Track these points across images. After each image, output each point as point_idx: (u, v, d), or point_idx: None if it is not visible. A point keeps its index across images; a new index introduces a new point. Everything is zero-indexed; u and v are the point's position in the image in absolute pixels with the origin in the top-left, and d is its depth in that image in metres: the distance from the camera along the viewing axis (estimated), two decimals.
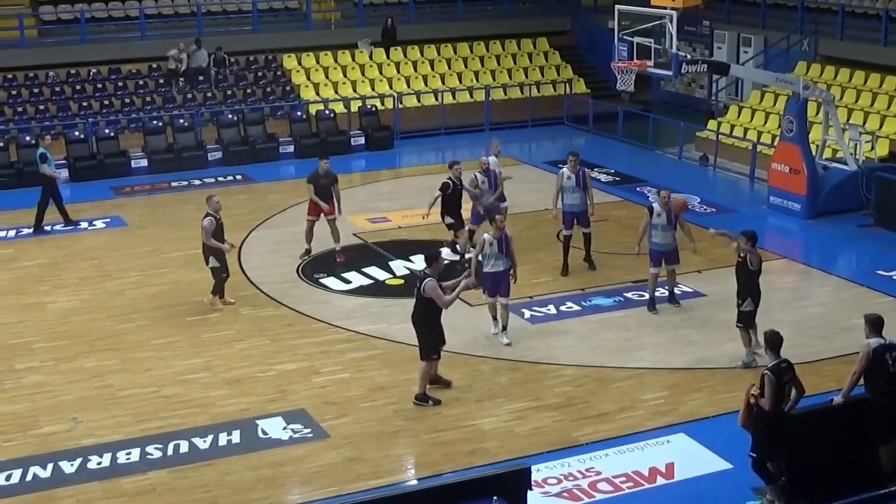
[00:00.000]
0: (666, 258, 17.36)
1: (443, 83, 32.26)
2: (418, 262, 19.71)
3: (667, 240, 17.19)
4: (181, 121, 28.03)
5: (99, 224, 22.55)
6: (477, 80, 32.76)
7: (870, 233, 21.52)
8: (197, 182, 25.74)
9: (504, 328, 16.38)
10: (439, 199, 19.62)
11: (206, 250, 17.70)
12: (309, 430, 13.74)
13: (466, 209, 20.03)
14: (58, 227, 22.04)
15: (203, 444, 13.42)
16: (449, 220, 19.80)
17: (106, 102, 29.22)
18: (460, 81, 32.60)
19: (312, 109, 29.71)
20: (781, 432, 11.36)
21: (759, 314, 16.58)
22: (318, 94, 31.04)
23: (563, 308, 17.67)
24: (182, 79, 29.95)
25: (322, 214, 19.68)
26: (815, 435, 11.65)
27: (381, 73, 32.23)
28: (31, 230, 21.92)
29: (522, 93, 32.37)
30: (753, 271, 15.21)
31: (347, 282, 18.94)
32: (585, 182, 18.81)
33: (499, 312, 16.38)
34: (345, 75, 31.92)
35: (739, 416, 11.64)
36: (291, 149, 28.26)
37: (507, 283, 16.16)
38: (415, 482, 12.56)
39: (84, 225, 22.31)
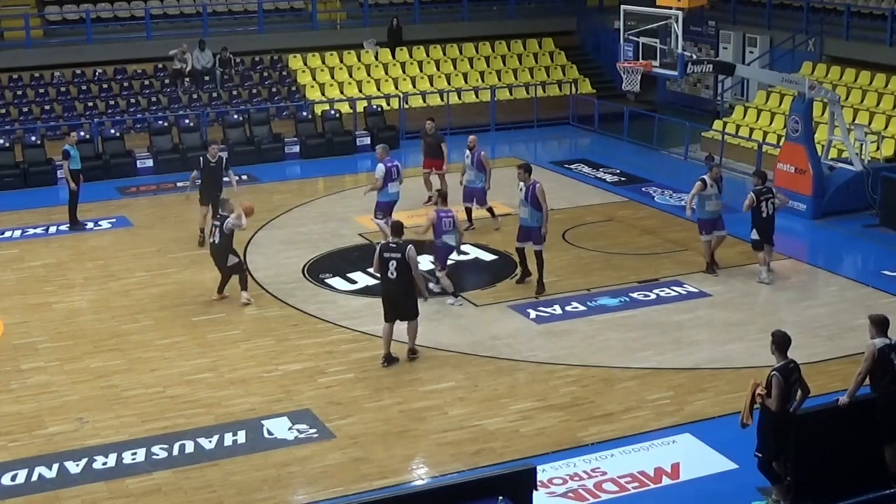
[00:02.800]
0: (716, 225, 19.02)
1: (448, 83, 32.26)
2: (423, 262, 19.69)
3: (718, 207, 18.98)
4: (186, 121, 28.05)
5: (104, 224, 22.56)
6: (482, 81, 32.75)
7: (875, 233, 21.49)
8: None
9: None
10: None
11: (226, 250, 17.80)
12: (314, 431, 13.74)
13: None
14: (63, 228, 22.05)
15: (208, 444, 13.42)
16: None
17: (111, 103, 29.26)
18: (466, 81, 32.61)
19: (318, 109, 29.71)
20: (786, 433, 11.34)
21: (764, 315, 16.70)
22: (323, 94, 31.05)
23: (568, 308, 17.66)
24: (187, 79, 29.97)
25: (433, 168, 22.90)
26: (821, 435, 11.64)
27: (386, 73, 32.24)
28: (66, 225, 22.08)
29: (528, 93, 32.36)
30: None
31: (353, 282, 18.94)
32: (534, 196, 17.89)
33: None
34: (350, 75, 31.94)
35: (741, 413, 11.62)
36: (297, 149, 28.26)
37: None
38: (420, 482, 12.55)
39: (90, 226, 22.31)
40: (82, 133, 26.85)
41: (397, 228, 15.61)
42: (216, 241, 17.80)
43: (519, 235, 18.36)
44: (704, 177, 18.88)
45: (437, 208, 18.07)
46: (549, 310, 17.58)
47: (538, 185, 17.92)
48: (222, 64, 30.40)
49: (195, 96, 29.84)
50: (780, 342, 11.47)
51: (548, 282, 18.80)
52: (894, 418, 11.67)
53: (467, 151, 21.49)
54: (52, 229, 21.93)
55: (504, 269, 19.47)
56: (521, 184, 18.12)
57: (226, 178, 21.03)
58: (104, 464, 12.97)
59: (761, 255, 18.75)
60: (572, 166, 26.55)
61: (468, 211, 21.54)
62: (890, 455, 11.80)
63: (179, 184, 25.52)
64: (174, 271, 19.60)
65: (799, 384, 11.43)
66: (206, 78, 30.12)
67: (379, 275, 15.64)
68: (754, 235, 18.80)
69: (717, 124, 28.41)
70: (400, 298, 15.38)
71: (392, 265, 15.18)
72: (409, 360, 15.66)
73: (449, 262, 18.30)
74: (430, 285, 17.61)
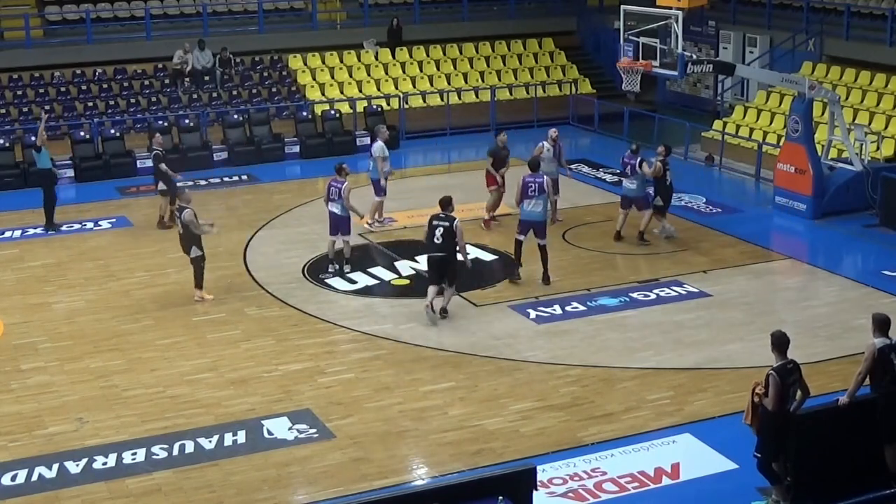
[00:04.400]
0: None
1: (448, 83, 32.26)
2: (423, 262, 19.71)
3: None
4: (186, 121, 28.04)
5: (104, 224, 22.56)
6: (482, 81, 32.75)
7: (875, 233, 21.48)
8: (202, 182, 25.74)
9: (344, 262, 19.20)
10: None
11: (189, 240, 17.87)
12: (314, 431, 13.74)
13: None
14: (63, 228, 22.05)
15: (208, 444, 13.42)
16: None
17: (111, 103, 29.25)
18: (466, 82, 32.61)
19: (318, 109, 29.70)
20: (786, 433, 11.34)
21: (766, 314, 16.69)
22: (323, 94, 31.05)
23: (568, 308, 17.66)
24: (187, 79, 29.98)
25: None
26: (821, 435, 11.64)
27: (386, 73, 32.24)
28: (41, 229, 22.00)
29: (528, 93, 32.36)
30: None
31: (353, 282, 18.94)
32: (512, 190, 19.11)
33: (345, 249, 19.22)
34: (350, 75, 31.93)
35: (745, 414, 11.62)
36: (297, 149, 28.26)
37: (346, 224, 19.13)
38: (420, 482, 12.55)
39: (76, 227, 22.24)
40: (82, 133, 26.91)
41: (446, 202, 17.14)
42: (181, 231, 17.90)
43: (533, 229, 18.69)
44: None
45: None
46: (549, 310, 17.58)
47: (546, 178, 18.75)
48: (222, 64, 30.40)
49: (195, 96, 29.84)
50: (779, 342, 11.44)
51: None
52: (894, 418, 11.67)
53: (546, 144, 21.71)
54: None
55: (504, 268, 19.46)
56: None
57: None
58: (104, 464, 12.97)
59: (659, 219, 20.59)
60: (572, 166, 26.52)
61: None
62: (890, 455, 11.80)
63: (179, 184, 25.56)
64: (174, 271, 19.58)
65: (799, 384, 11.42)
66: (206, 78, 30.12)
67: (426, 241, 17.24)
68: (658, 202, 20.45)
69: (717, 124, 28.41)
70: (442, 262, 16.97)
71: (439, 231, 16.85)
72: (441, 317, 17.02)
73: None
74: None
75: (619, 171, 20.73)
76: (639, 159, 20.35)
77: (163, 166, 21.76)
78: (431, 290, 17.13)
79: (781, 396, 11.19)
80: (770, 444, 11.40)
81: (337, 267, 19.24)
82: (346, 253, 19.31)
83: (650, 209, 20.54)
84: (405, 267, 19.67)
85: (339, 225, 19.15)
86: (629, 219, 20.72)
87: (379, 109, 29.91)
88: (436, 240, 16.95)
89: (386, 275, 19.31)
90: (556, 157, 21.83)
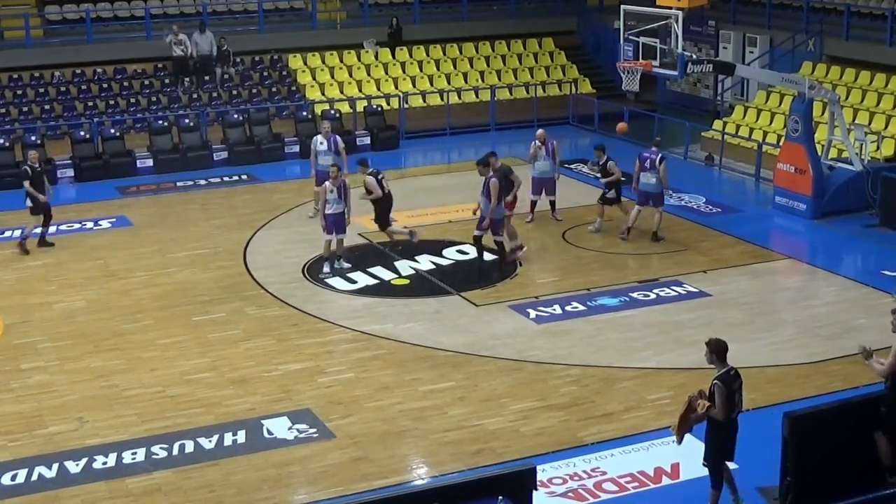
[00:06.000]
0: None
1: (448, 83, 32.26)
2: (423, 261, 19.73)
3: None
4: (186, 121, 28.04)
5: (104, 224, 22.56)
6: (482, 81, 32.75)
7: (875, 233, 21.48)
8: (203, 182, 25.76)
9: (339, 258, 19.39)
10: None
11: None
12: (314, 430, 13.74)
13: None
14: (63, 228, 22.02)
15: (208, 443, 13.42)
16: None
17: (111, 102, 29.26)
18: (466, 81, 32.61)
19: (318, 109, 29.70)
20: (734, 438, 11.35)
21: (766, 314, 16.65)
22: (323, 93, 31.05)
23: (568, 308, 17.66)
24: (195, 62, 29.83)
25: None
26: (821, 435, 11.63)
27: (386, 73, 32.24)
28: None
29: (528, 93, 32.36)
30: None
31: (353, 282, 18.94)
32: (489, 189, 19.07)
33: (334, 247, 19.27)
34: (350, 75, 31.94)
35: (675, 426, 11.44)
36: (297, 149, 28.24)
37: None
38: (420, 482, 12.55)
39: (65, 227, 22.22)
40: (82, 133, 26.91)
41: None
42: None
43: (491, 227, 19.03)
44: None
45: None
46: (549, 310, 17.58)
47: (492, 180, 18.81)
48: (221, 59, 30.36)
49: (195, 96, 29.84)
50: (718, 349, 11.36)
51: (548, 282, 18.86)
52: None
53: (538, 143, 21.82)
54: (52, 229, 21.89)
55: (504, 268, 19.46)
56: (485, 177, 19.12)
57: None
58: (104, 464, 12.97)
59: (606, 209, 21.36)
60: (572, 166, 26.54)
61: (533, 204, 22.04)
62: (884, 446, 11.79)
63: (179, 183, 25.59)
64: (174, 271, 19.60)
65: (740, 392, 11.33)
66: (215, 63, 30.05)
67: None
68: (612, 195, 21.25)
69: (717, 124, 28.41)
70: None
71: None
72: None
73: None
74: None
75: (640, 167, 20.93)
76: (659, 155, 20.58)
77: (27, 184, 20.72)
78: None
79: (729, 404, 11.14)
80: (718, 451, 11.38)
81: (332, 265, 19.24)
82: (339, 250, 19.34)
83: (663, 206, 20.92)
84: (405, 267, 19.66)
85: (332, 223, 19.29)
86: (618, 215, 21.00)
87: (379, 109, 29.92)
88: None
89: (386, 275, 19.31)
90: (549, 157, 21.84)
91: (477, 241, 19.22)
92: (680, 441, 11.41)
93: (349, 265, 19.40)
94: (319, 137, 22.19)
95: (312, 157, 22.22)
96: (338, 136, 22.54)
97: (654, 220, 20.77)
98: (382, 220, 20.18)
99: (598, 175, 21.82)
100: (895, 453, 11.78)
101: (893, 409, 11.67)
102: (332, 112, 29.29)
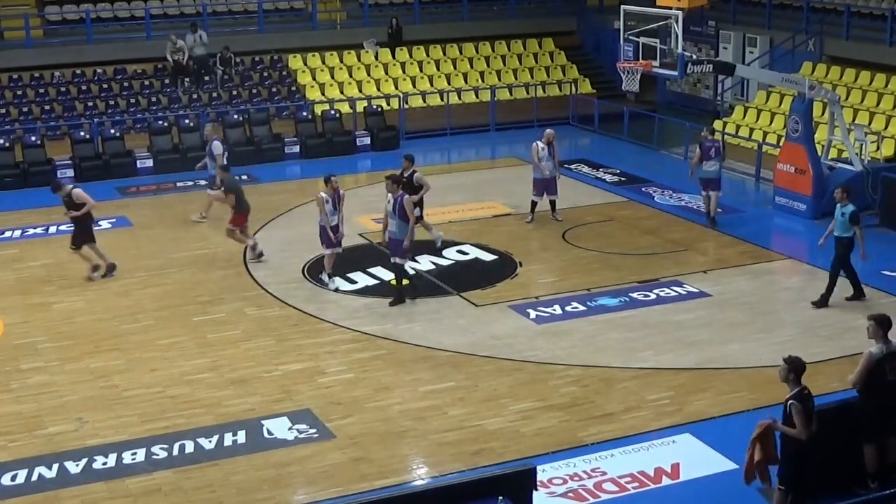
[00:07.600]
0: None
1: (448, 83, 32.27)
2: (423, 261, 19.73)
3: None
4: (186, 121, 28.04)
5: (104, 224, 22.50)
6: (482, 81, 32.75)
7: (875, 233, 21.43)
8: (203, 182, 25.70)
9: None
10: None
11: None
12: (314, 431, 13.74)
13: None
14: (63, 228, 21.99)
15: (208, 444, 13.42)
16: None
17: (111, 102, 29.27)
18: (466, 82, 32.62)
19: (318, 109, 29.70)
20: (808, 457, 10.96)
21: (766, 314, 16.62)
22: (323, 94, 31.06)
23: (568, 308, 17.65)
24: (192, 64, 29.83)
25: None
26: (821, 435, 11.59)
27: (386, 73, 32.24)
28: (37, 230, 21.96)
29: (528, 93, 32.36)
30: None
31: (353, 282, 18.93)
32: (402, 208, 17.60)
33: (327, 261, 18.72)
34: (350, 75, 31.94)
35: (745, 473, 11.15)
36: (297, 149, 28.26)
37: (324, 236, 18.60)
38: (420, 482, 12.55)
39: (65, 227, 22.10)
40: (82, 133, 26.90)
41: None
42: None
43: (391, 249, 18.04)
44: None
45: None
46: (549, 310, 17.57)
47: (406, 198, 17.67)
48: (223, 63, 30.40)
49: (195, 96, 29.85)
50: (797, 367, 10.80)
51: (548, 282, 18.84)
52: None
53: (541, 144, 21.77)
54: (52, 229, 21.90)
55: (504, 268, 19.47)
56: (389, 195, 17.68)
57: None
58: (104, 464, 12.96)
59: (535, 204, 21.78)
60: (572, 166, 26.55)
61: (533, 205, 22.02)
62: (870, 453, 11.79)
63: (179, 183, 25.59)
64: (174, 271, 19.59)
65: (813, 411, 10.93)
66: (212, 63, 30.03)
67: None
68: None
69: (717, 124, 28.37)
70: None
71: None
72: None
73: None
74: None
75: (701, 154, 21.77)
76: (720, 142, 21.49)
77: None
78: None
79: (808, 422, 10.77)
80: (798, 474, 10.95)
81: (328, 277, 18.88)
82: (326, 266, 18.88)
83: (720, 191, 21.87)
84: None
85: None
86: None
87: (379, 109, 29.91)
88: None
89: (386, 275, 19.29)
90: (551, 157, 21.84)
91: (398, 269, 18.05)
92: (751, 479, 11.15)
93: (335, 285, 18.67)
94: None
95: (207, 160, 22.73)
96: (217, 141, 23.05)
97: (711, 205, 21.82)
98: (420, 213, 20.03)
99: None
100: (880, 460, 11.78)
101: (867, 416, 11.67)
102: (333, 112, 29.29)
